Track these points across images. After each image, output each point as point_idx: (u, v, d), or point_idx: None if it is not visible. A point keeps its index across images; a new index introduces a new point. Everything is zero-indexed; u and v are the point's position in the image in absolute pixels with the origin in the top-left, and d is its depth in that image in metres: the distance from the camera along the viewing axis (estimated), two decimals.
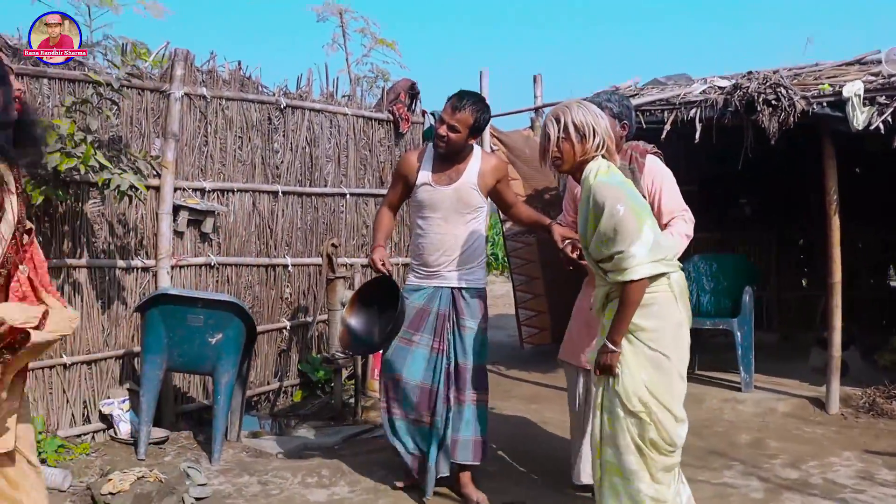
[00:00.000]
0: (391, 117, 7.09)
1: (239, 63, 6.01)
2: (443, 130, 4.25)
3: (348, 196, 6.84)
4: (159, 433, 5.28)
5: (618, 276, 3.35)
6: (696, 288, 7.41)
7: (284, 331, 6.42)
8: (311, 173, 6.55)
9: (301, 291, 6.51)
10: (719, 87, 6.20)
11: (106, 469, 4.63)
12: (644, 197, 3.86)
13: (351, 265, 6.55)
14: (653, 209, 4.02)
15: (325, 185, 6.69)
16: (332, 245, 6.09)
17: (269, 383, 6.36)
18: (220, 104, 5.86)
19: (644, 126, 6.08)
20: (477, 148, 4.45)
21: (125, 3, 5.26)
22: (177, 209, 5.59)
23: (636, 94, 6.62)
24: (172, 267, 5.60)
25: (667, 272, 3.42)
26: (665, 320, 3.44)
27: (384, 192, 7.07)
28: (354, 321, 4.47)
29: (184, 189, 5.65)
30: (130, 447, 5.04)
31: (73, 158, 4.47)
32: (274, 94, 6.24)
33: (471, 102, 4.25)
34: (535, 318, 7.78)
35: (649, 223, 3.41)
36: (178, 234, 5.65)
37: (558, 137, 3.49)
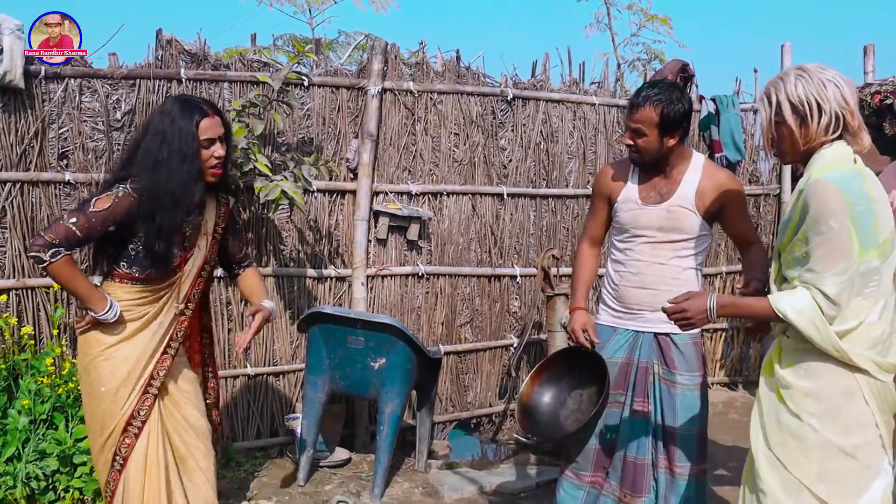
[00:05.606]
0: None
1: (457, 53, 5.43)
2: (627, 138, 3.30)
3: None
4: (341, 455, 4.96)
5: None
6: None
7: (512, 348, 5.72)
8: (547, 172, 5.76)
9: (535, 305, 5.74)
10: None
11: (254, 493, 4.41)
12: None
13: None
14: None
15: (567, 186, 5.84)
16: (553, 256, 5.25)
17: (491, 405, 5.74)
18: (430, 99, 5.33)
19: None
20: (699, 157, 3.39)
21: None
22: (377, 215, 5.20)
23: None
24: (373, 276, 5.23)
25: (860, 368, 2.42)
26: (826, 383, 2.44)
27: None
28: (537, 398, 3.51)
29: (386, 193, 5.23)
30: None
31: None
32: (499, 85, 5.55)
33: (651, 95, 3.21)
34: None
35: (865, 261, 2.36)
36: (381, 242, 5.25)
37: (771, 121, 2.51)
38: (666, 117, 3.17)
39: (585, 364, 3.43)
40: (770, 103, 2.50)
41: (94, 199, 2.94)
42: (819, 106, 2.41)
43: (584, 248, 3.63)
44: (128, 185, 2.92)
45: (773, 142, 2.55)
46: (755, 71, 6.42)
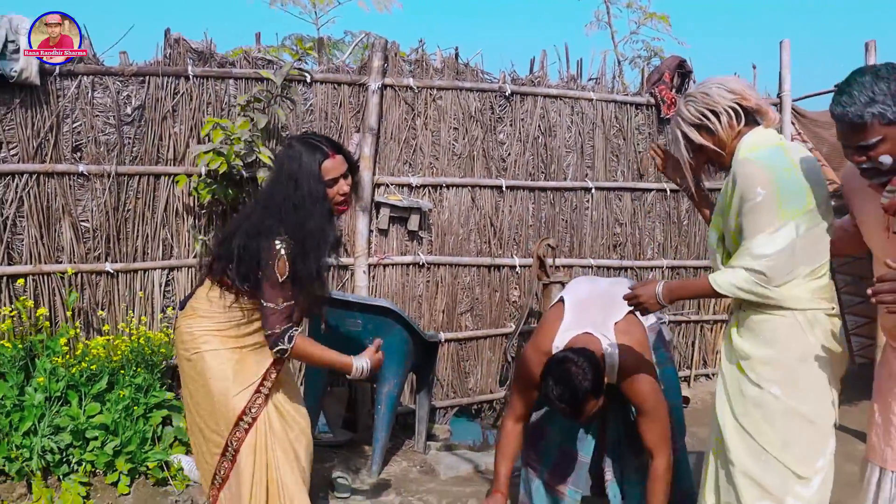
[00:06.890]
0: (652, 101, 6.15)
1: (456, 50, 5.63)
2: (584, 422, 3.33)
3: (594, 190, 6.06)
4: (343, 436, 5.15)
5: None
6: None
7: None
8: (546, 166, 5.93)
9: (534, 294, 5.91)
10: None
11: None
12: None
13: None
14: None
15: (565, 179, 6.00)
16: (549, 246, 5.43)
17: (492, 391, 5.90)
18: (430, 94, 5.53)
19: None
20: (611, 360, 3.25)
21: None
22: (378, 206, 5.40)
23: None
24: (375, 265, 5.43)
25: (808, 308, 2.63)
26: (783, 350, 2.61)
27: (642, 186, 6.23)
28: None
29: (387, 185, 5.44)
30: None
31: (220, 157, 4.49)
32: (497, 81, 5.74)
33: (575, 392, 3.05)
34: (867, 327, 6.18)
35: (800, 222, 2.54)
36: (382, 232, 5.45)
37: (690, 151, 2.77)
38: (595, 390, 3.08)
39: None
40: (680, 139, 2.73)
41: (274, 270, 2.93)
42: (713, 111, 2.64)
43: (508, 426, 3.53)
44: (283, 239, 2.94)
45: (706, 163, 2.78)
46: (754, 67, 6.55)
